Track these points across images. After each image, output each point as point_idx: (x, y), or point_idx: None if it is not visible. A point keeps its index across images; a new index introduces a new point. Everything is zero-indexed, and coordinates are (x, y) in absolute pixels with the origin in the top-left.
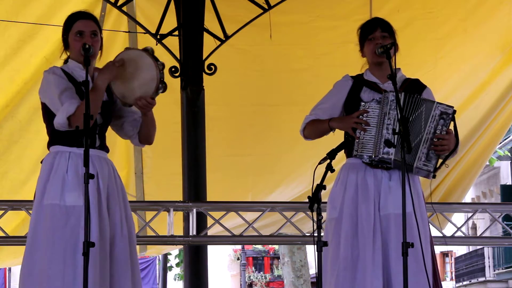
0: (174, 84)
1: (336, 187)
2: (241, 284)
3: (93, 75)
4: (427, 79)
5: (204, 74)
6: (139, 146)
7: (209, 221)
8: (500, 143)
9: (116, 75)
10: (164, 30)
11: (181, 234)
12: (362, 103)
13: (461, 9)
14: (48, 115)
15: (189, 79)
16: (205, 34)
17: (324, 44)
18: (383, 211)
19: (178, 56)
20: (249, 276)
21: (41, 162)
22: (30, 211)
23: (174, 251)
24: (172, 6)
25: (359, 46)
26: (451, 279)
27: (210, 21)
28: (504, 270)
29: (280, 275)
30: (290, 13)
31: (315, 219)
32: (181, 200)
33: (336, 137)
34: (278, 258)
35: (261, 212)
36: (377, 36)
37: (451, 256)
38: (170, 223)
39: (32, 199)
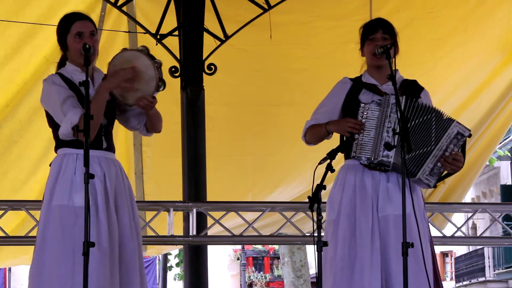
0: (174, 84)
1: (335, 188)
2: (241, 284)
3: (92, 75)
4: (427, 79)
5: (204, 74)
6: (148, 135)
7: (209, 221)
8: (500, 143)
9: (120, 85)
10: (164, 30)
11: (181, 234)
12: (362, 105)
13: (461, 9)
14: (53, 122)
15: (189, 79)
16: (205, 34)
17: (324, 44)
18: (381, 213)
19: (178, 56)
20: (249, 276)
21: (50, 165)
22: (30, 211)
23: (174, 251)
24: (172, 6)
25: (360, 45)
26: (451, 279)
27: (210, 21)
28: (504, 270)
29: (280, 275)
30: (290, 13)
31: (315, 219)
32: (181, 200)
33: (336, 137)
34: (278, 258)
35: (261, 212)
36: (377, 37)
37: (451, 256)
38: (170, 223)
39: (32, 199)
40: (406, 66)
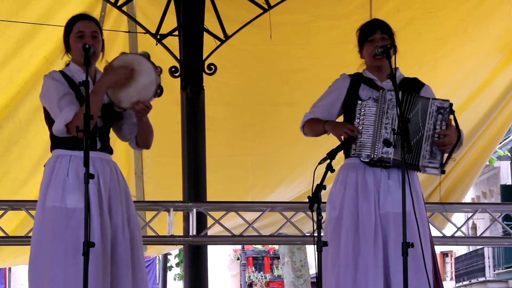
0: (174, 84)
1: (336, 187)
2: (241, 284)
3: (94, 76)
4: (427, 79)
5: (204, 74)
6: (137, 150)
7: (209, 221)
8: (500, 143)
9: (118, 82)
10: (164, 30)
11: (181, 234)
12: (359, 102)
13: (461, 9)
14: (49, 119)
15: (189, 79)
16: (205, 34)
17: (324, 44)
18: (383, 209)
19: (178, 56)
20: (249, 276)
21: (44, 166)
22: (30, 211)
23: (174, 251)
24: (172, 6)
25: (358, 47)
26: (451, 279)
27: (210, 21)
28: (504, 270)
29: (280, 275)
30: (290, 13)
31: (315, 219)
32: (181, 200)
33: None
34: (278, 258)
35: (261, 212)
36: (376, 38)
37: (451, 256)
38: (170, 223)
39: (32, 199)
40: (406, 66)
